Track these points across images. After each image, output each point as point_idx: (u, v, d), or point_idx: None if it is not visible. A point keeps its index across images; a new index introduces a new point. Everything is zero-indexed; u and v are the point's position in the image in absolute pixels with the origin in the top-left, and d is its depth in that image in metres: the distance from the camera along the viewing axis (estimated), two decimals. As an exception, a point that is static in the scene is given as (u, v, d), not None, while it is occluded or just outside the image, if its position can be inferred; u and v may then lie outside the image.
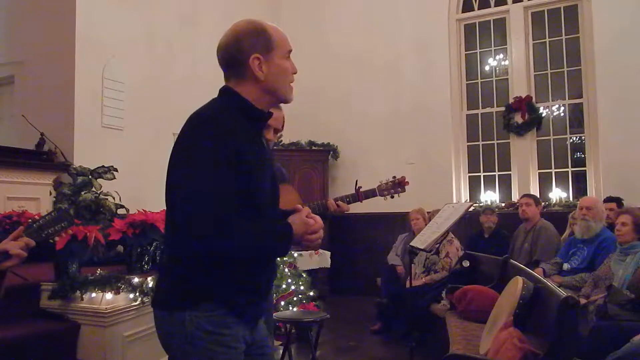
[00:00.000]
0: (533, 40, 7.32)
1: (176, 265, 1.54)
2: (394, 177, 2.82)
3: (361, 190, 2.63)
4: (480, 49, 7.70)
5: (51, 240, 1.83)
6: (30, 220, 1.74)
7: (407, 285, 4.92)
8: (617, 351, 2.87)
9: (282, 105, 2.02)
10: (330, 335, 5.18)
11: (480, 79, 7.68)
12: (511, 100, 7.23)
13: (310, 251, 6.32)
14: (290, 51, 1.63)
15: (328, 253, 6.72)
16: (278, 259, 1.83)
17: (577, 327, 2.62)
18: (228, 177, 1.44)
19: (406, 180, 2.82)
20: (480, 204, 7.04)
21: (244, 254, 1.48)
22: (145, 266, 3.80)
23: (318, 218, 1.59)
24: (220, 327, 1.50)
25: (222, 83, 1.66)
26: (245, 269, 1.53)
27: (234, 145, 1.46)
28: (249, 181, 1.49)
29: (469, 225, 6.35)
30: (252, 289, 1.59)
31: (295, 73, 1.64)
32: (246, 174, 1.48)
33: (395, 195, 2.83)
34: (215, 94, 1.65)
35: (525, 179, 7.11)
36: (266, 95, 1.59)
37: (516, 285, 2.96)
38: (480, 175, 7.57)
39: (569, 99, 7.16)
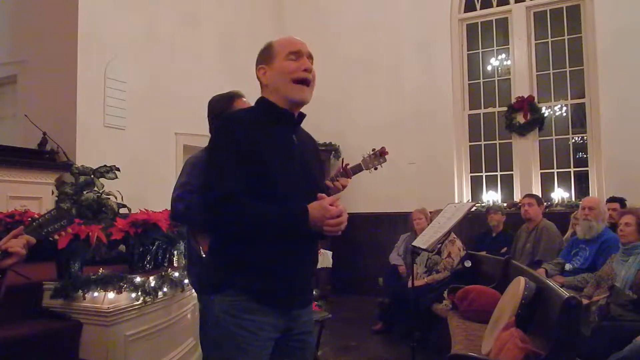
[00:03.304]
0: (535, 40, 7.30)
1: (210, 254, 1.81)
2: (374, 149, 2.91)
3: (348, 167, 2.68)
4: (482, 48, 7.69)
5: (51, 238, 1.84)
6: (30, 219, 1.74)
7: (409, 285, 4.91)
8: (619, 351, 2.87)
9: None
10: (331, 335, 5.18)
11: (483, 78, 7.67)
12: (513, 100, 7.22)
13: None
14: (291, 52, 1.77)
15: (330, 252, 6.72)
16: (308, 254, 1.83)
17: (580, 328, 2.62)
18: (235, 159, 1.64)
19: (386, 150, 2.90)
20: (483, 204, 7.04)
21: (251, 223, 1.62)
22: (147, 266, 3.79)
23: (341, 206, 1.64)
24: (243, 312, 1.64)
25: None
26: (265, 256, 1.65)
27: (244, 135, 1.67)
28: (261, 168, 1.66)
29: (474, 225, 6.34)
30: (274, 276, 1.67)
31: (305, 70, 1.76)
32: (258, 161, 1.66)
33: (379, 167, 2.91)
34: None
35: (528, 179, 7.10)
36: (277, 96, 1.78)
37: (518, 286, 2.96)
38: (482, 175, 7.56)
39: (571, 98, 7.15)
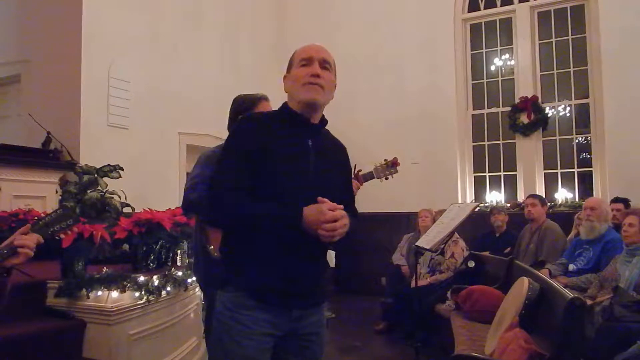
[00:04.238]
0: (539, 40, 7.30)
1: (219, 251, 1.85)
2: (386, 159, 2.96)
3: (360, 173, 2.70)
4: (486, 48, 7.68)
5: (57, 237, 1.86)
6: (36, 218, 1.75)
7: (412, 285, 4.91)
8: (623, 352, 2.86)
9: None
10: (334, 335, 5.17)
11: (486, 78, 7.67)
12: (517, 100, 7.21)
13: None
14: (303, 59, 1.80)
15: (333, 252, 6.72)
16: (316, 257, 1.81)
17: (584, 329, 2.61)
18: (241, 159, 1.70)
19: (398, 161, 2.95)
20: (486, 205, 7.03)
21: (243, 219, 1.67)
22: (151, 265, 3.80)
23: (340, 212, 1.62)
24: (241, 308, 1.68)
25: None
26: (265, 256, 1.68)
27: (255, 136, 1.73)
28: (268, 169, 1.69)
29: (477, 225, 6.33)
30: (272, 277, 1.68)
31: (313, 75, 1.77)
32: (266, 163, 1.69)
33: (390, 177, 2.96)
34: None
35: (531, 179, 7.09)
36: (294, 101, 1.81)
37: (522, 286, 2.96)
38: (485, 176, 7.55)
39: (575, 99, 7.14)
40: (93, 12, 5.48)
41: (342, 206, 1.64)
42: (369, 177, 2.85)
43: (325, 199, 1.64)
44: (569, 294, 2.47)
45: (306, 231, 1.61)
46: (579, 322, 2.35)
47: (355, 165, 2.77)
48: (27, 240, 1.59)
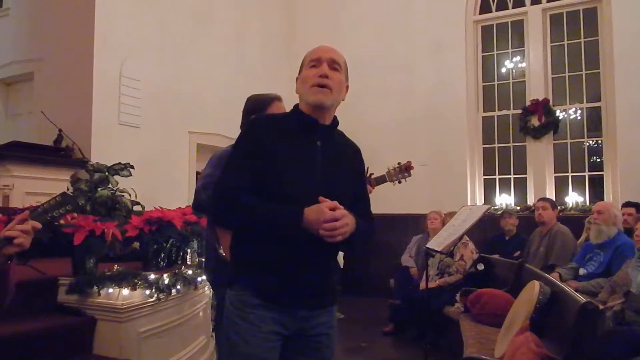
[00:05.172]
0: (551, 42, 7.26)
1: (230, 252, 1.87)
2: (399, 162, 2.95)
3: (372, 177, 2.69)
4: (497, 50, 7.65)
5: (56, 223, 1.87)
6: (35, 205, 1.76)
7: (422, 287, 4.90)
8: (635, 358, 2.84)
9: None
10: (342, 336, 5.16)
11: (497, 81, 7.63)
12: (528, 103, 7.17)
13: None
14: (312, 60, 1.81)
15: (341, 253, 6.71)
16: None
17: (596, 333, 2.60)
18: (245, 158, 1.73)
19: (412, 165, 2.93)
20: (496, 207, 7.00)
21: (243, 217, 1.69)
22: (161, 263, 3.82)
23: (341, 211, 1.61)
24: (247, 306, 1.70)
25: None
26: (269, 256, 1.69)
27: (260, 139, 1.74)
28: (273, 170, 1.69)
29: (486, 228, 6.30)
30: (275, 276, 1.69)
31: (321, 75, 1.77)
32: (271, 163, 1.70)
33: (403, 181, 2.95)
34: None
35: (541, 183, 7.05)
36: (303, 103, 1.83)
37: (532, 289, 2.94)
38: (495, 178, 7.52)
39: (586, 102, 7.09)
40: (105, 12, 5.52)
41: (341, 207, 1.63)
42: (381, 180, 2.83)
43: (326, 199, 1.63)
44: (581, 298, 2.46)
45: (308, 231, 1.60)
46: (591, 326, 2.34)
47: (368, 168, 2.75)
48: (12, 230, 1.58)
